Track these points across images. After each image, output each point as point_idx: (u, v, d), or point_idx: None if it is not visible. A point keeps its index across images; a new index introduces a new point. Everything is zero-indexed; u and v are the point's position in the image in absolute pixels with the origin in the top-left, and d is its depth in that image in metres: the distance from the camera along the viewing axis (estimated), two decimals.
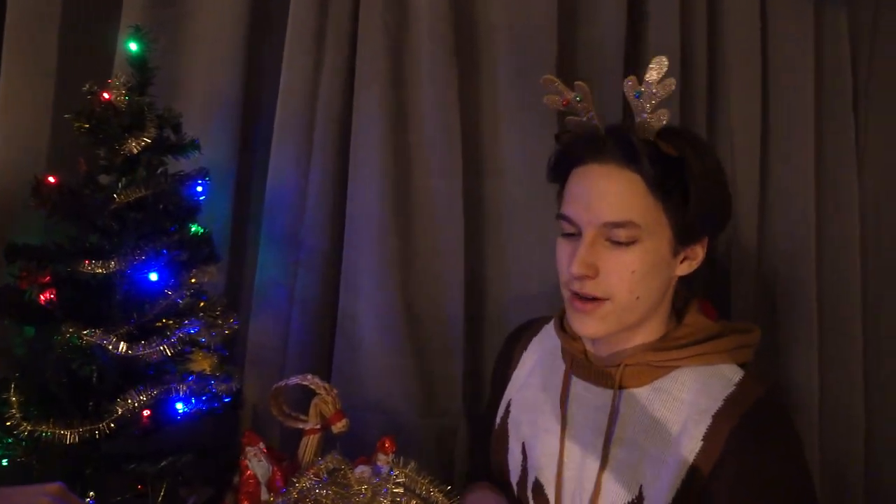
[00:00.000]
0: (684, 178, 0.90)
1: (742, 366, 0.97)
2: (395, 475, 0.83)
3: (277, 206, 1.34)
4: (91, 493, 0.95)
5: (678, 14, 1.43)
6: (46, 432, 0.92)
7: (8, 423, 0.93)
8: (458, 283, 1.38)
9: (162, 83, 1.25)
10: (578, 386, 1.01)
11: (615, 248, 0.91)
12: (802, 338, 1.50)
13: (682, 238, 0.93)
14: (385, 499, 0.83)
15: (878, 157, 1.61)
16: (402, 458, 0.88)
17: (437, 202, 1.37)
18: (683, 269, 0.96)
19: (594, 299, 0.93)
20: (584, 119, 0.95)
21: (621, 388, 0.96)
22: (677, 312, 1.01)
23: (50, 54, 1.25)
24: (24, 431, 0.92)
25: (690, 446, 0.89)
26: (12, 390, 0.94)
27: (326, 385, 1.12)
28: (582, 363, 1.01)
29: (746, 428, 0.88)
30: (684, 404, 0.92)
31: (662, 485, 0.89)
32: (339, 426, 1.10)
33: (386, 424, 1.31)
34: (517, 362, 1.14)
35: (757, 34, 1.50)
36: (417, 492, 0.85)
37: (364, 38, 1.34)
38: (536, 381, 1.09)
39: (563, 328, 1.06)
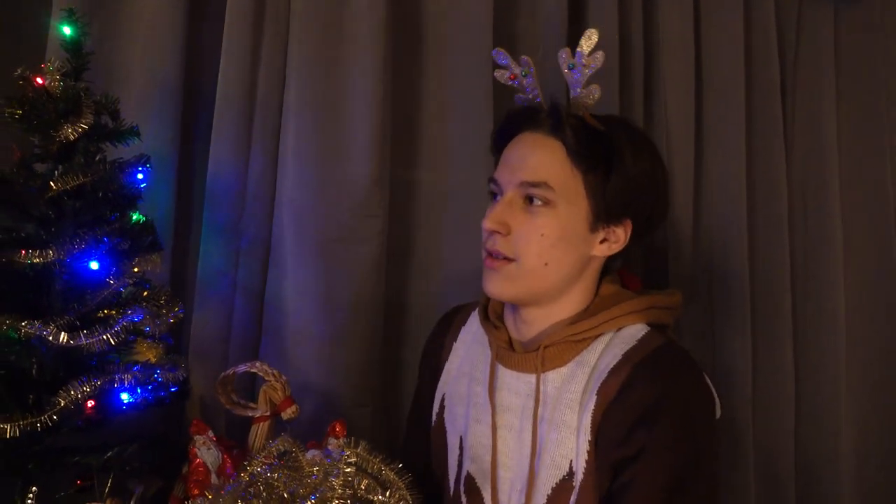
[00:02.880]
0: (610, 155, 0.94)
1: (659, 328, 0.99)
2: (347, 455, 0.84)
3: (218, 194, 1.33)
4: (34, 489, 0.93)
5: (616, 7, 1.47)
6: None
7: None
8: (379, 272, 1.36)
9: (98, 69, 1.22)
10: (506, 375, 1.01)
11: (530, 210, 0.95)
12: (736, 322, 1.56)
13: (600, 214, 0.95)
14: (337, 479, 0.83)
15: (804, 143, 1.69)
16: (353, 440, 0.88)
17: (364, 189, 1.34)
18: (602, 249, 0.98)
19: (504, 259, 0.96)
20: (530, 96, 1.02)
21: (545, 370, 0.97)
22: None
23: None
24: None
25: (591, 405, 0.92)
26: None
27: (275, 371, 1.12)
28: (506, 352, 1.02)
29: (636, 374, 0.91)
30: (592, 368, 0.95)
31: (579, 451, 0.92)
32: (288, 412, 1.11)
33: (330, 412, 1.30)
34: (449, 352, 1.13)
35: (690, 26, 1.55)
36: (369, 471, 0.86)
37: (296, 23, 1.33)
38: (467, 370, 1.09)
39: (486, 318, 1.07)
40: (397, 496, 0.88)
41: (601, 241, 0.98)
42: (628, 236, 0.98)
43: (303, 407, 1.14)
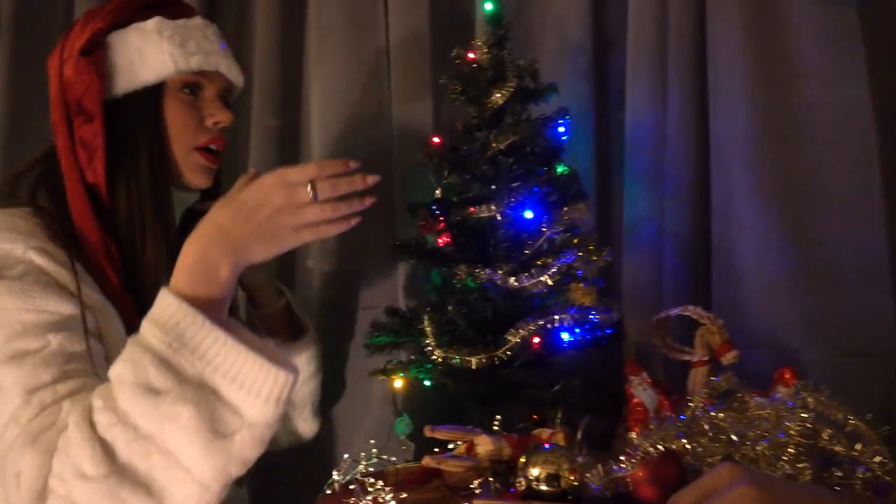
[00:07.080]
0: None
1: None
2: (804, 397, 0.74)
3: (638, 141, 1.33)
4: (498, 417, 1.04)
5: None
6: (455, 358, 1.05)
7: (425, 351, 1.08)
8: (873, 207, 1.19)
9: (516, 39, 1.33)
10: None
11: None
12: None
13: None
14: (792, 424, 0.75)
15: None
16: (810, 383, 0.78)
17: (830, 115, 1.21)
18: None
19: None
20: None
21: None
22: None
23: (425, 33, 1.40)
24: (438, 358, 1.07)
25: None
26: (426, 323, 1.09)
27: (710, 315, 1.07)
28: None
29: None
30: None
31: None
32: (728, 357, 1.05)
33: (778, 361, 1.20)
34: None
35: None
36: (831, 419, 0.75)
37: None
38: None
39: None
40: (871, 451, 0.75)
41: None
42: None
43: (762, 355, 1.10)
